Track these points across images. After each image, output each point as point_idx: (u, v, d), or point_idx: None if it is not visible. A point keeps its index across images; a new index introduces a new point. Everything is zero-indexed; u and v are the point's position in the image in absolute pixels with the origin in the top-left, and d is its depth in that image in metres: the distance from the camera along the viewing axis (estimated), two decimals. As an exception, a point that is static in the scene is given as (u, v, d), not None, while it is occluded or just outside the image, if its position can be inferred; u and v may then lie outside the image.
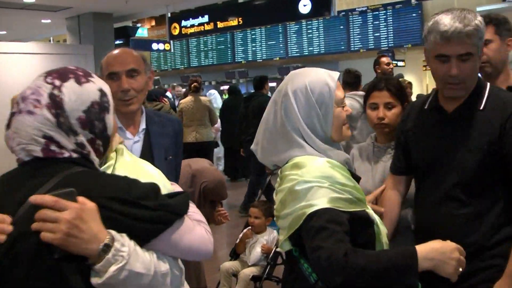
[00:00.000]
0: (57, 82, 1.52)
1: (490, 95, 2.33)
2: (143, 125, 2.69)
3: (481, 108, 2.29)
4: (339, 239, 1.73)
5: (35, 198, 1.35)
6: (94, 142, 1.55)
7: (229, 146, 10.41)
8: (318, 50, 21.65)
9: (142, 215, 1.44)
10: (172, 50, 18.40)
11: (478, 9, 19.27)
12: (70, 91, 1.51)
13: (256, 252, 4.63)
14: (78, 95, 1.52)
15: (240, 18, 11.88)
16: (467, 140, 2.26)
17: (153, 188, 1.52)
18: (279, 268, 4.75)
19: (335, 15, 12.43)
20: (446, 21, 2.16)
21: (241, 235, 4.82)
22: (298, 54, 22.16)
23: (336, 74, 2.00)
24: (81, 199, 1.37)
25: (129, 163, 1.68)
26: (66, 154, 1.49)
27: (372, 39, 19.65)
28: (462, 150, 2.27)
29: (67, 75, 1.54)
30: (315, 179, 1.81)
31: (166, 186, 1.65)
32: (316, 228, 1.74)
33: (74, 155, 1.50)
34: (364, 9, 20.27)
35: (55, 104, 1.49)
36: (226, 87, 26.24)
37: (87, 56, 10.65)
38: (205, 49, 24.64)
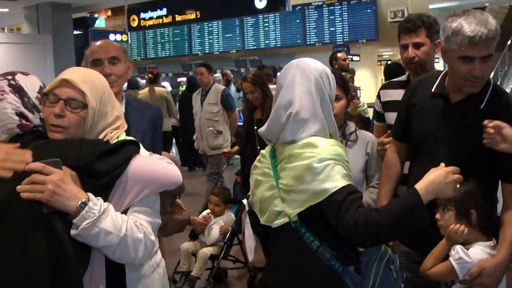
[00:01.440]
0: (9, 77, 1.94)
1: (493, 94, 2.55)
2: (122, 109, 2.92)
3: (481, 107, 2.53)
4: (359, 205, 2.00)
5: (28, 166, 1.68)
6: None
7: (187, 138, 10.45)
8: (274, 43, 21.83)
9: (107, 163, 1.79)
10: (129, 42, 18.38)
11: (431, 6, 19.78)
12: (23, 80, 1.95)
13: (214, 232, 4.89)
14: (29, 82, 1.97)
15: (198, 12, 12.08)
16: (462, 132, 2.54)
17: (106, 143, 1.88)
18: (235, 248, 5.04)
19: (289, 10, 12.78)
20: (472, 26, 2.33)
21: (200, 217, 5.08)
22: (255, 47, 22.30)
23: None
24: (64, 167, 1.71)
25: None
26: (32, 126, 1.89)
27: (327, 34, 19.89)
28: (454, 139, 2.56)
29: (13, 72, 1.97)
30: (330, 156, 2.02)
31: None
32: (340, 202, 1.98)
33: (40, 128, 1.91)
34: (320, 3, 20.50)
35: (17, 89, 1.91)
36: (183, 79, 26.29)
37: (45, 46, 10.63)
38: (162, 40, 24.59)
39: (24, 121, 1.87)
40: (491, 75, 19.20)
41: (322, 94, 2.14)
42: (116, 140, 1.94)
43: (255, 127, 5.27)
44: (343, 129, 3.10)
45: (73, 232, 1.69)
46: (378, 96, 3.42)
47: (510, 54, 18.10)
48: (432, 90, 2.67)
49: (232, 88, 12.88)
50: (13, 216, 1.66)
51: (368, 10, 20.02)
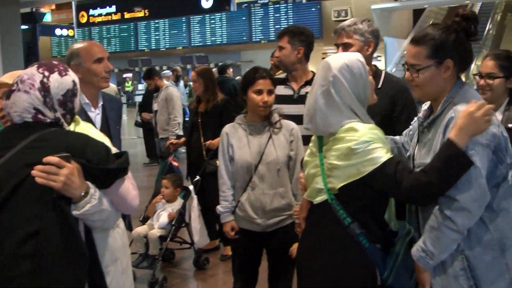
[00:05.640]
0: (46, 73, 2.20)
1: (385, 78, 3.27)
2: (100, 102, 3.44)
3: (379, 87, 3.11)
4: (409, 171, 2.24)
5: (46, 159, 2.00)
6: (65, 116, 2.24)
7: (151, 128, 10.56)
8: (220, 40, 22.09)
9: (101, 170, 2.16)
10: (75, 37, 18.40)
11: (373, 7, 20.51)
12: (55, 81, 2.20)
13: (163, 218, 5.23)
14: (60, 83, 2.21)
15: (146, 10, 12.43)
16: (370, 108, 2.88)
17: (106, 149, 2.22)
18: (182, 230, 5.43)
19: (234, 10, 13.26)
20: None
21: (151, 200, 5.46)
22: (201, 44, 22.53)
23: (358, 54, 2.50)
24: (72, 162, 2.05)
25: (84, 128, 2.40)
26: (48, 120, 2.17)
27: (273, 31, 20.25)
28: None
29: (53, 68, 2.23)
30: (370, 138, 2.25)
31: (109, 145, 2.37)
32: (393, 173, 2.21)
33: (53, 120, 2.18)
34: (265, 1, 20.87)
35: (44, 88, 2.17)
36: (130, 75, 26.28)
37: (-7, 42, 10.67)
38: (108, 36, 24.54)
39: (39, 116, 2.16)
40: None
41: (341, 88, 2.36)
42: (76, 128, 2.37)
43: (199, 120, 5.67)
44: (269, 118, 3.52)
45: (74, 212, 2.08)
46: None
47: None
48: None
49: (181, 84, 13.16)
50: (28, 194, 2.02)
51: (313, 9, 20.55)
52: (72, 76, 2.29)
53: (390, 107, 3.20)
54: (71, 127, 2.32)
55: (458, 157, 2.13)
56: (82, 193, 2.07)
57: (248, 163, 3.45)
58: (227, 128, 3.60)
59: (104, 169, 2.15)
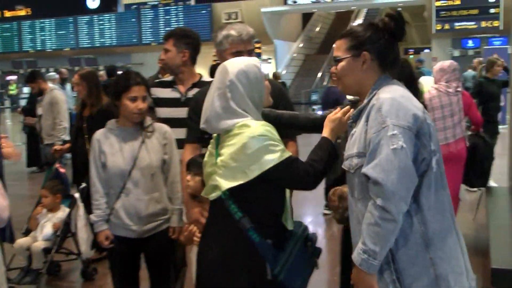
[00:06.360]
0: None
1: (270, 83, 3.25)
2: None
3: None
4: (300, 163, 2.43)
5: None
6: None
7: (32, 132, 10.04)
8: (110, 42, 21.60)
9: None
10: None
11: (263, 10, 20.85)
12: None
13: (47, 229, 4.99)
14: None
15: (29, 9, 11.92)
16: None
17: None
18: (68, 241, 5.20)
19: (122, 11, 13.02)
20: (238, 30, 3.20)
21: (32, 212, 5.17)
22: (89, 46, 21.95)
23: (256, 58, 2.63)
24: None
25: None
26: None
27: (163, 33, 20.03)
28: None
29: None
30: (262, 136, 2.35)
31: None
32: (293, 168, 2.38)
33: None
34: (155, 3, 20.72)
35: None
36: (14, 77, 25.17)
37: None
38: (-11, 36, 23.45)
39: None
40: (320, 74, 20.70)
41: (237, 93, 2.42)
42: None
43: (84, 124, 5.45)
44: (141, 123, 3.45)
45: None
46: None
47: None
48: None
49: (68, 87, 12.72)
50: None
51: (203, 11, 20.64)
52: None
53: (274, 108, 3.22)
54: None
55: (334, 150, 2.52)
56: None
57: (121, 169, 3.38)
58: (98, 134, 3.49)
59: None
